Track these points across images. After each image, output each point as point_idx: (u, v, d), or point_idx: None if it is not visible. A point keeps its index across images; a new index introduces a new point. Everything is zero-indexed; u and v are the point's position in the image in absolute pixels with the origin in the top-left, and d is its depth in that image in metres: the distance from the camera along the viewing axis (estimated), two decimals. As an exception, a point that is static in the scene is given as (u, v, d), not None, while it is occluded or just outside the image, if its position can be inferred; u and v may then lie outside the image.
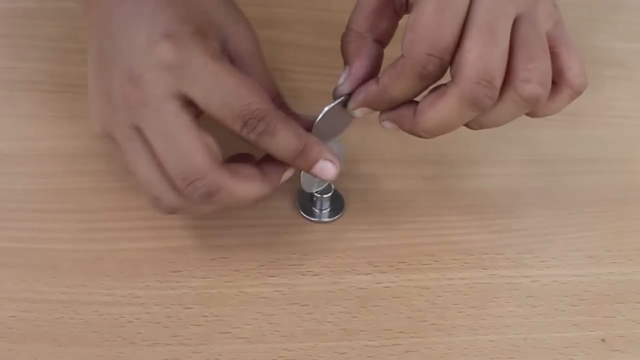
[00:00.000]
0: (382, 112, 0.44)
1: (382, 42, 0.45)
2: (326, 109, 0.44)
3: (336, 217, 0.50)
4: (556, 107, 0.44)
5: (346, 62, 0.45)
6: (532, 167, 0.53)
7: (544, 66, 0.41)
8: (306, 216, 0.50)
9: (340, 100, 0.44)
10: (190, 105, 0.41)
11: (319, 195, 0.50)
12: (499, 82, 0.40)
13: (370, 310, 0.47)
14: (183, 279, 0.48)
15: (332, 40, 0.58)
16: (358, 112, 0.44)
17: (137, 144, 0.41)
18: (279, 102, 0.46)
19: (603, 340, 0.47)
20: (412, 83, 0.41)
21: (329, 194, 0.50)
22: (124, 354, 0.44)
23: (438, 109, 0.41)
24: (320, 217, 0.50)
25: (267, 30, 0.60)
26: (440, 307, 0.48)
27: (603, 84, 0.60)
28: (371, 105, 0.44)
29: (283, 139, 0.42)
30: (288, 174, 0.45)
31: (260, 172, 0.44)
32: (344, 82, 0.44)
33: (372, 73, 0.44)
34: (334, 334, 0.46)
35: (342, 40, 0.45)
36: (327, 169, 0.44)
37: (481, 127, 0.44)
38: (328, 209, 0.51)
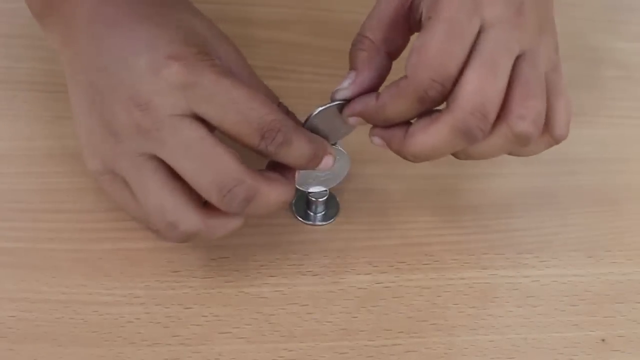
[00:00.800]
0: (373, 127, 0.45)
1: (392, 56, 0.45)
2: (317, 110, 0.45)
3: (330, 220, 0.51)
4: (534, 150, 0.46)
5: (352, 67, 0.45)
6: (532, 167, 0.53)
7: (540, 106, 0.43)
8: (300, 219, 0.51)
9: (336, 103, 0.44)
10: (202, 123, 0.41)
11: (314, 199, 0.50)
12: (493, 116, 0.41)
13: (370, 310, 0.48)
14: (183, 279, 0.48)
15: (331, 40, 0.59)
16: (352, 120, 0.45)
17: (147, 172, 0.41)
18: (284, 109, 0.46)
19: (603, 340, 0.48)
20: (411, 105, 0.42)
21: (324, 198, 0.50)
22: (123, 353, 0.45)
23: (429, 134, 0.42)
24: (314, 220, 0.51)
25: (267, 30, 0.62)
26: (440, 307, 0.48)
27: (604, 84, 0.61)
28: (366, 118, 0.44)
29: (298, 148, 0.43)
30: (297, 175, 0.46)
31: (281, 175, 0.44)
32: (348, 87, 0.45)
33: (377, 85, 0.45)
34: (334, 333, 0.47)
35: (353, 45, 0.45)
36: (328, 162, 0.45)
37: (468, 158, 0.45)
38: (322, 213, 0.51)
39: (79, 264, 0.48)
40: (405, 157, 0.44)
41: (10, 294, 0.47)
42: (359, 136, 0.50)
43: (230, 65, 0.45)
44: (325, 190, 0.50)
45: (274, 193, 0.43)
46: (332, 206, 0.52)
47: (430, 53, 0.41)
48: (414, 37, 0.46)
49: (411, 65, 0.41)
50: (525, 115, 0.42)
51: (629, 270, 0.51)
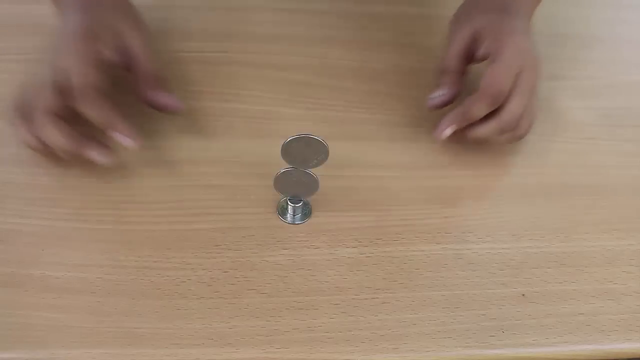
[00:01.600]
0: (447, 122, 0.53)
1: (463, 76, 0.58)
2: (289, 138, 0.46)
3: (306, 220, 0.52)
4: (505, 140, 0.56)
5: (443, 84, 0.56)
6: (468, 170, 0.54)
7: (532, 121, 0.55)
8: (283, 219, 0.52)
9: (305, 135, 0.46)
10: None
11: (292, 205, 0.52)
12: (518, 122, 0.54)
13: (356, 273, 0.50)
14: (222, 250, 0.50)
15: (326, 79, 0.59)
16: (448, 131, 0.54)
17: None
18: (156, 80, 0.53)
19: (523, 295, 0.49)
20: (485, 105, 0.53)
21: (300, 204, 0.52)
22: (179, 304, 0.47)
23: (486, 125, 0.54)
24: (293, 220, 0.52)
25: (284, 72, 0.61)
26: (406, 271, 0.50)
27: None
28: (458, 120, 0.54)
29: (90, 110, 0.48)
30: (99, 157, 0.49)
31: (77, 135, 0.49)
32: (440, 95, 0.55)
33: (454, 97, 0.56)
34: (330, 290, 0.49)
35: (442, 71, 0.57)
36: (124, 141, 0.49)
37: (489, 142, 0.55)
38: (299, 214, 0.52)
39: (147, 240, 0.50)
40: (467, 138, 0.54)
41: (99, 261, 0.49)
42: (344, 150, 0.52)
43: (131, 42, 0.52)
44: (300, 199, 0.51)
45: (52, 130, 0.47)
46: (306, 209, 0.52)
47: (498, 77, 0.52)
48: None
49: (486, 83, 0.52)
50: (523, 126, 0.54)
51: (541, 245, 0.52)
